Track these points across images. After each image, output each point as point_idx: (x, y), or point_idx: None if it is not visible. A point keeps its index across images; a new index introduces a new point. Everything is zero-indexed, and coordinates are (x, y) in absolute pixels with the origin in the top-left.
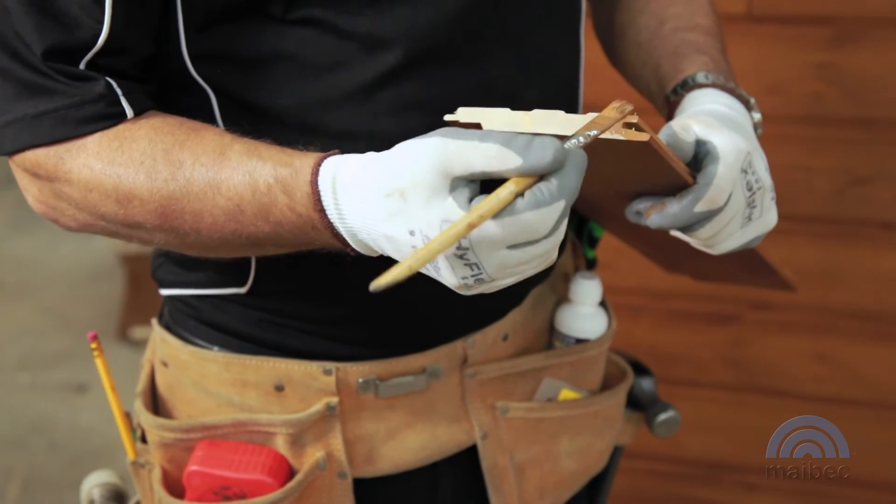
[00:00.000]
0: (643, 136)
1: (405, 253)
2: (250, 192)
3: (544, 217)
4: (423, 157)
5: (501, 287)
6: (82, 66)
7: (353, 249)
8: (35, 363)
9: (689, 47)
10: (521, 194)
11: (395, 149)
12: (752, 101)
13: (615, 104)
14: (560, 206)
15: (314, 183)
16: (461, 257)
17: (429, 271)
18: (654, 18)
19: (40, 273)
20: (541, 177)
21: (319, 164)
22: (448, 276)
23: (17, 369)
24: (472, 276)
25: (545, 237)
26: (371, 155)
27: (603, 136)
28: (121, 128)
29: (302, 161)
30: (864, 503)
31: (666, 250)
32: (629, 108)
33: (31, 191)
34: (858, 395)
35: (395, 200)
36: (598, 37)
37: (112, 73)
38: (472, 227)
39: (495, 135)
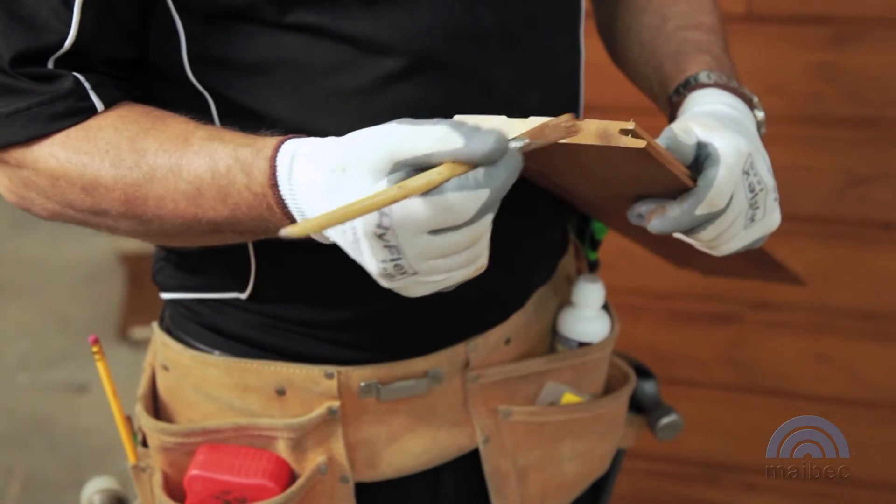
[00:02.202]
0: (639, 143)
1: (337, 234)
2: (210, 175)
3: (466, 201)
4: (373, 137)
5: (427, 288)
6: (50, 64)
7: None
8: (35, 363)
9: (692, 46)
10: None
11: (354, 132)
12: (756, 99)
13: (565, 118)
14: (484, 195)
15: (273, 158)
16: (381, 237)
17: (355, 254)
18: (657, 17)
19: (40, 273)
20: (474, 168)
21: (282, 143)
22: (368, 258)
23: (17, 369)
24: (392, 260)
25: (466, 224)
26: (332, 138)
27: (600, 144)
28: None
29: (265, 141)
30: (864, 503)
31: (672, 248)
32: (575, 125)
33: (1, 181)
34: (858, 395)
35: (336, 175)
36: (601, 35)
37: (80, 68)
38: (394, 199)
39: (446, 120)
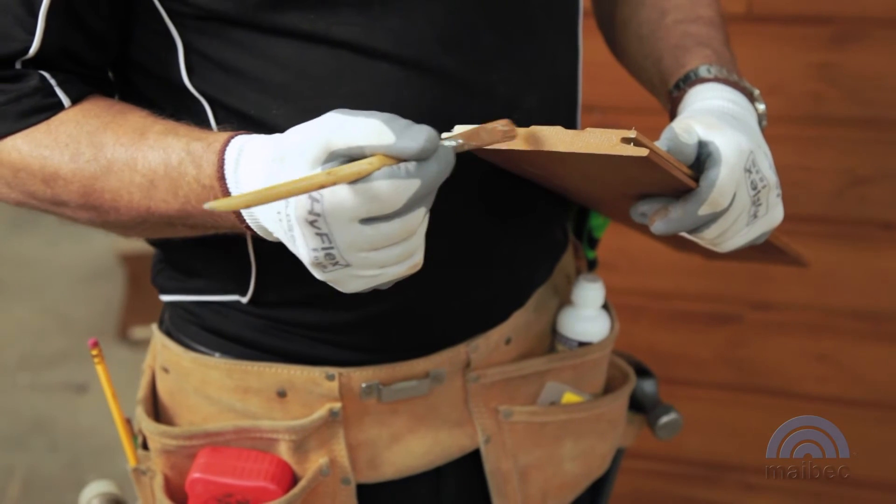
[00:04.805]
0: (641, 152)
1: (273, 222)
2: (163, 168)
3: (396, 189)
4: (311, 128)
5: (361, 283)
6: (17, 65)
7: (248, 227)
8: (35, 363)
9: (692, 40)
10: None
11: (297, 125)
12: (756, 92)
13: (502, 122)
14: (414, 185)
15: (222, 152)
16: (313, 223)
17: (289, 243)
18: (656, 10)
19: (40, 273)
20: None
21: (232, 138)
22: (301, 244)
23: (17, 369)
24: (323, 249)
25: (397, 214)
26: (279, 133)
27: (602, 153)
28: None
29: (216, 136)
30: (864, 503)
31: (674, 238)
32: (511, 129)
33: None
34: (858, 395)
35: (275, 165)
36: (601, 30)
37: (48, 67)
38: (322, 185)
39: (381, 114)
